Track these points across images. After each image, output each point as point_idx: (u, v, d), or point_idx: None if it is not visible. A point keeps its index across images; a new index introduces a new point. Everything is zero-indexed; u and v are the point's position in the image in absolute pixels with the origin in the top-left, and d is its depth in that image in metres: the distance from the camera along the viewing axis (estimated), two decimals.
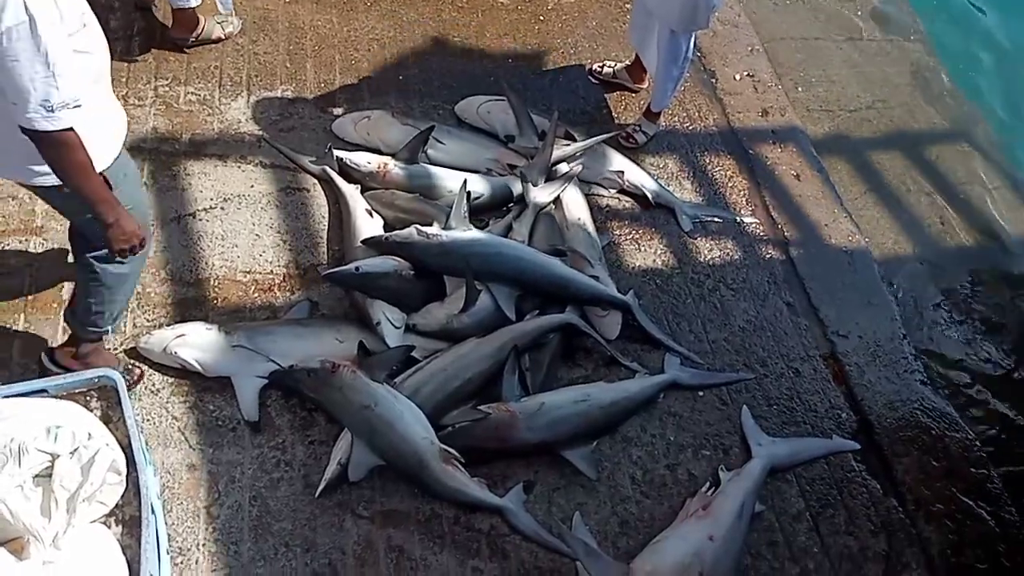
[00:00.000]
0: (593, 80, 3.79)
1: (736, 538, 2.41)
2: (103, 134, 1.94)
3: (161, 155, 3.15)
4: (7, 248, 2.80)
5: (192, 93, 3.37)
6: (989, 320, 3.56)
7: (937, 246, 3.75)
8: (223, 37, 3.50)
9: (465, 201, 2.83)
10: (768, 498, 2.64)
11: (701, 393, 2.87)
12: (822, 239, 3.47)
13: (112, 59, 1.99)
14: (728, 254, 3.32)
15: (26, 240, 2.83)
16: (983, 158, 4.19)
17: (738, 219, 3.44)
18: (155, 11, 3.55)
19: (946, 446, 2.91)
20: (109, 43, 1.95)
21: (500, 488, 2.50)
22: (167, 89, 3.35)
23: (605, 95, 3.76)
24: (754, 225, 3.44)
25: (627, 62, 3.75)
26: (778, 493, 2.68)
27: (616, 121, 3.66)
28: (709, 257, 3.28)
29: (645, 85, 3.71)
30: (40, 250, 2.81)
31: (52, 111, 1.69)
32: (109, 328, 2.36)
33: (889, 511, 2.71)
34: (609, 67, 3.78)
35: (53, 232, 2.85)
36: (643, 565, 2.28)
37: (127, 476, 1.74)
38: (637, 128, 3.57)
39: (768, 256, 3.35)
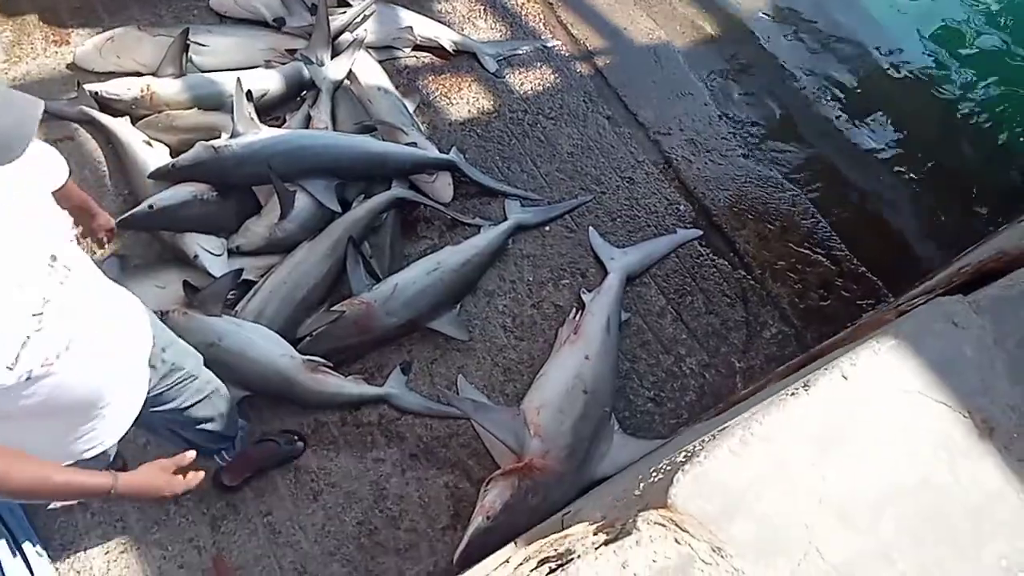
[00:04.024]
0: None
1: (610, 350, 2.52)
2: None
3: None
4: None
5: None
6: (783, 72, 3.68)
7: (728, 21, 3.79)
8: None
9: (246, 101, 2.57)
10: (631, 304, 2.76)
11: (547, 228, 2.89)
12: (625, 44, 3.45)
13: None
14: (540, 84, 3.25)
15: None
16: None
17: (540, 46, 3.35)
18: None
19: (776, 207, 3.11)
20: None
21: (379, 378, 2.48)
22: None
23: None
24: (557, 47, 3.37)
25: None
26: (639, 297, 2.80)
27: None
28: (522, 92, 3.21)
29: None
30: None
31: None
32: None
33: (740, 281, 2.90)
34: None
35: None
36: (531, 402, 2.35)
37: None
38: None
39: (579, 75, 3.31)
